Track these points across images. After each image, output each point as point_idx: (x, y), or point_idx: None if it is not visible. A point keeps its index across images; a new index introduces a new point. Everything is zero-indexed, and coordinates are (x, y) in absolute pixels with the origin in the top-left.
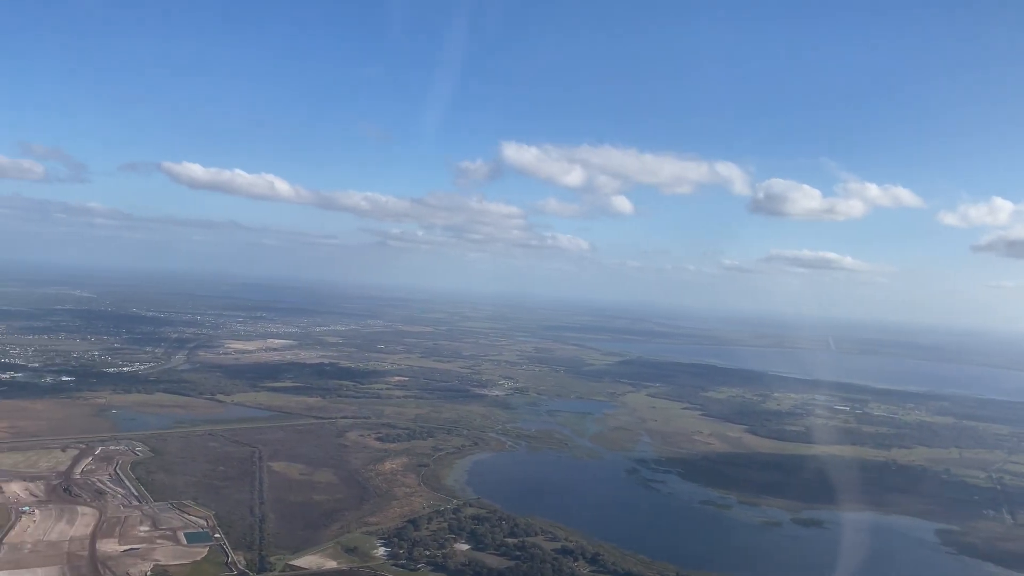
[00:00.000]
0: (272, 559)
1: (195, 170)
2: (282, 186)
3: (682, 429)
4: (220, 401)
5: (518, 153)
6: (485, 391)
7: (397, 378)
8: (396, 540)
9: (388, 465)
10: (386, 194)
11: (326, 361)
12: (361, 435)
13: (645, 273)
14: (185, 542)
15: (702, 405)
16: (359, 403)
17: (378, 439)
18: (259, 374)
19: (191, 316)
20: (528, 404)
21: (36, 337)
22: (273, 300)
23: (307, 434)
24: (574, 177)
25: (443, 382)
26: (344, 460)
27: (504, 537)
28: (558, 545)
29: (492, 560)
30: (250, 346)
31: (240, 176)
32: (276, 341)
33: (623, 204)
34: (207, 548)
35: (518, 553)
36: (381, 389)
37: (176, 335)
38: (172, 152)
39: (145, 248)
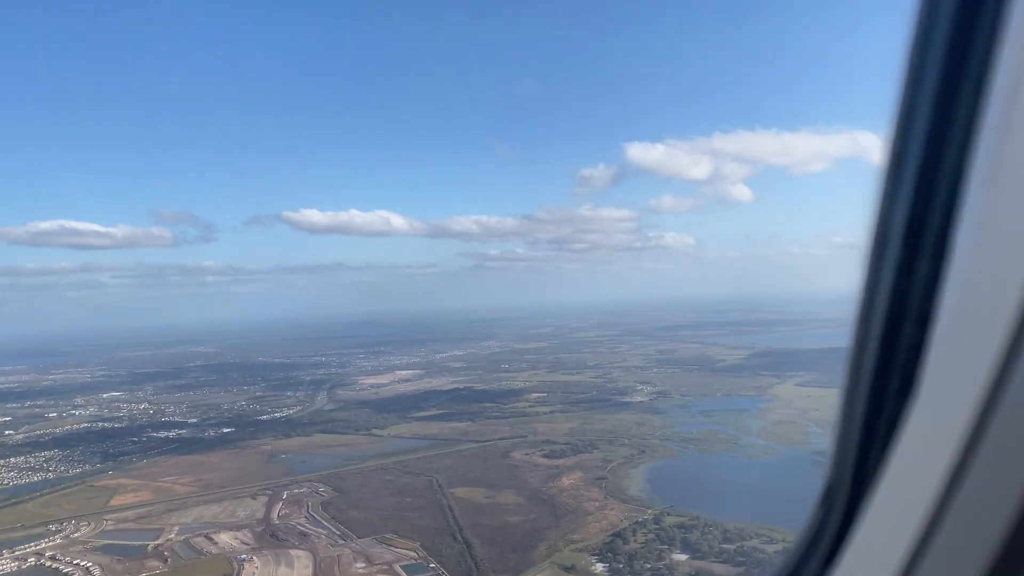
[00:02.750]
0: None
1: (313, 216)
2: (397, 220)
3: None
4: (377, 435)
5: (643, 153)
6: (628, 398)
7: (535, 395)
8: (610, 555)
9: (566, 481)
10: (497, 214)
11: (460, 386)
12: (526, 454)
13: (748, 263)
14: (404, 575)
15: None
16: (508, 423)
17: (544, 456)
18: (403, 406)
19: (315, 358)
20: (677, 407)
21: (183, 395)
22: (384, 334)
23: (473, 458)
24: (700, 170)
25: (582, 394)
26: (520, 480)
27: (719, 544)
28: (779, 546)
29: (719, 568)
30: (382, 380)
31: (356, 216)
32: (404, 372)
33: (742, 192)
34: None
35: (741, 559)
36: (524, 407)
37: (309, 377)
38: (292, 201)
39: (253, 299)
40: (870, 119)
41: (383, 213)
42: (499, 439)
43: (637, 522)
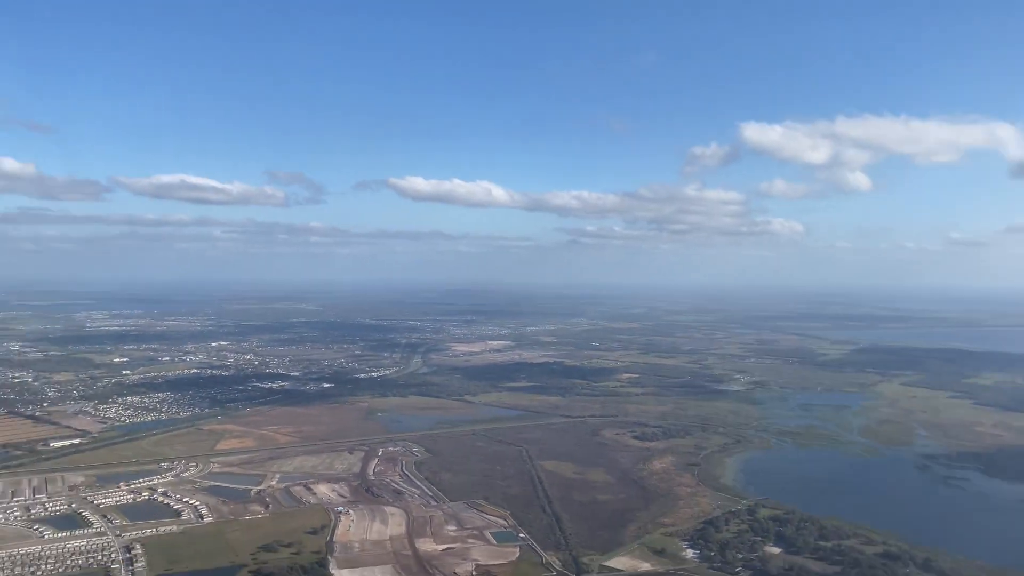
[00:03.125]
0: (584, 560)
1: (418, 183)
2: (498, 192)
3: (958, 420)
4: (468, 402)
5: (759, 134)
6: (723, 386)
7: (627, 375)
8: (701, 542)
9: (657, 464)
10: (598, 190)
11: (550, 360)
12: (617, 433)
13: (857, 255)
14: (495, 542)
15: (969, 393)
16: (599, 401)
17: (635, 437)
18: (494, 375)
19: (410, 323)
20: (775, 399)
21: (286, 348)
22: (477, 304)
23: (563, 433)
24: (818, 154)
25: (676, 378)
26: (610, 459)
27: (815, 540)
28: (878, 549)
29: (814, 565)
30: (474, 348)
31: (459, 185)
32: (495, 343)
33: (860, 180)
34: (517, 548)
35: (838, 558)
36: (616, 387)
37: (404, 341)
38: (399, 168)
39: (354, 262)
40: (1010, 109)
41: (485, 184)
42: (589, 416)
43: (730, 511)
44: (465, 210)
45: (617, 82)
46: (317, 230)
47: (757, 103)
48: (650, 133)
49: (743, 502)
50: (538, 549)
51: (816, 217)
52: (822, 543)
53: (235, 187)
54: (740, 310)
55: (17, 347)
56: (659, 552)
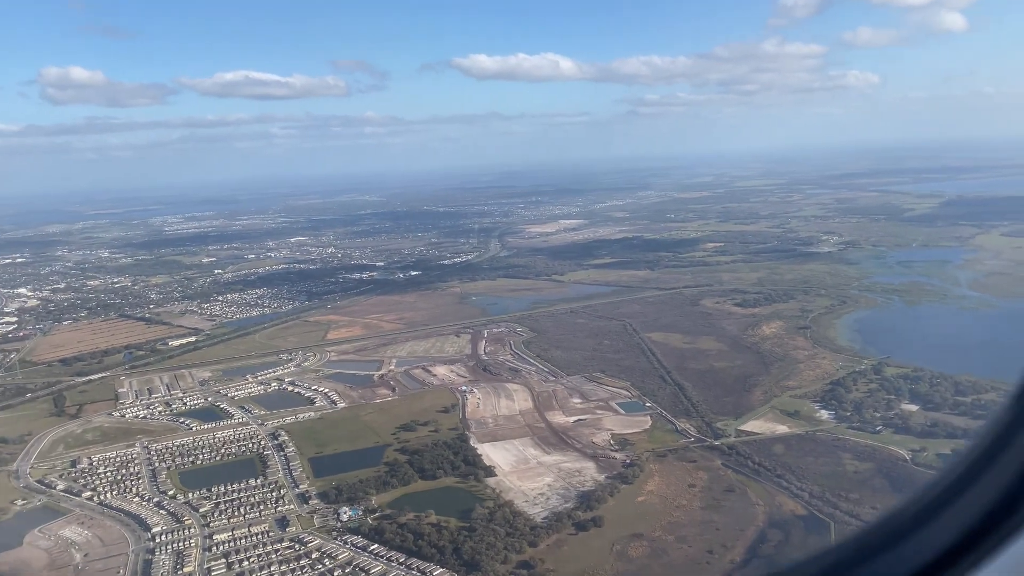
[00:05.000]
0: (718, 425)
1: (482, 61)
2: (565, 63)
3: None
4: (558, 281)
5: None
6: (813, 248)
7: (711, 244)
8: (834, 403)
9: (767, 329)
10: (671, 53)
11: (629, 235)
12: (716, 302)
13: (934, 104)
14: (623, 412)
15: None
16: (689, 272)
17: (737, 305)
18: (576, 253)
19: (477, 207)
20: (870, 257)
21: (363, 240)
22: (539, 185)
23: (662, 305)
24: None
25: (762, 243)
26: (717, 327)
27: (953, 396)
28: None
29: (957, 420)
30: (548, 228)
31: (524, 60)
32: (567, 221)
33: (955, 21)
34: (648, 416)
35: (980, 412)
36: (703, 256)
37: (476, 226)
38: (463, 46)
39: (409, 150)
40: None
41: (551, 56)
42: (683, 287)
43: (855, 372)
44: (530, 86)
45: None
46: (372, 120)
47: None
48: None
49: (865, 362)
50: (668, 416)
51: (896, 67)
52: (960, 399)
53: (297, 80)
54: (812, 170)
55: (107, 254)
56: (792, 415)
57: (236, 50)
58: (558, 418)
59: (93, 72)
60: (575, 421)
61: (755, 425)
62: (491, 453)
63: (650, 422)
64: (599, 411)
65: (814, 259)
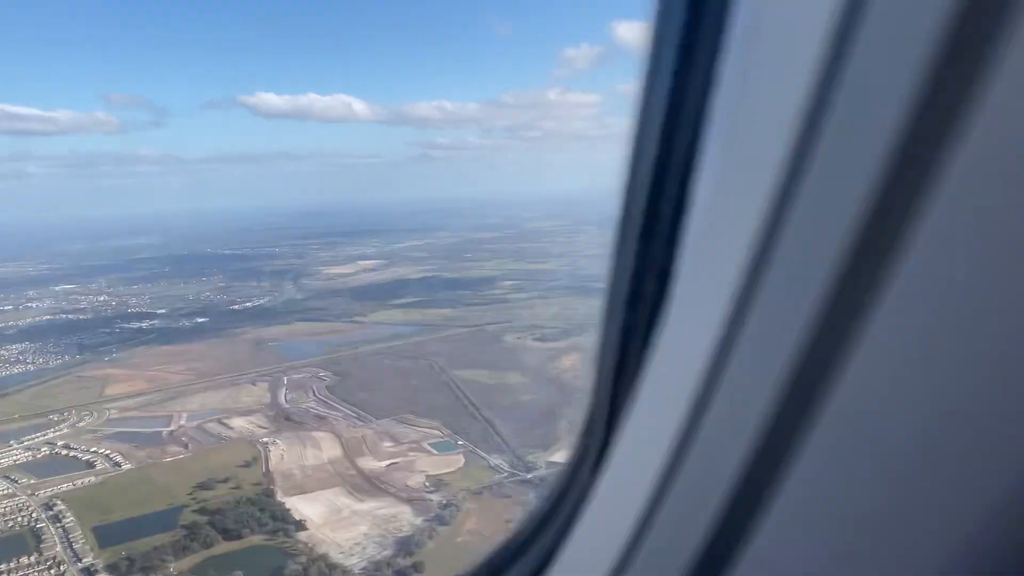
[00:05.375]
0: (529, 458)
1: (270, 99)
2: (358, 105)
3: None
4: (359, 322)
5: (630, 31)
6: (601, 284)
7: (508, 282)
8: None
9: (566, 361)
10: (462, 99)
11: (429, 274)
12: (518, 338)
13: None
14: (436, 452)
15: None
16: (490, 309)
17: (537, 340)
18: (377, 293)
19: (267, 249)
20: None
21: (140, 286)
22: (333, 225)
23: (466, 343)
24: None
25: (554, 280)
26: (520, 362)
27: None
28: None
29: None
30: (346, 269)
31: (315, 100)
32: (366, 262)
33: None
34: (460, 455)
35: None
36: (501, 294)
37: (269, 268)
38: (249, 85)
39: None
40: None
41: (344, 97)
42: (486, 324)
43: None
44: (321, 126)
45: None
46: (148, 158)
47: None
48: (525, 35)
49: None
50: (481, 453)
51: None
52: None
53: (62, 115)
54: (595, 211)
55: None
56: None
57: None
58: (369, 464)
59: None
60: (387, 465)
61: (563, 455)
62: (300, 506)
63: (463, 460)
64: (411, 453)
65: (602, 294)
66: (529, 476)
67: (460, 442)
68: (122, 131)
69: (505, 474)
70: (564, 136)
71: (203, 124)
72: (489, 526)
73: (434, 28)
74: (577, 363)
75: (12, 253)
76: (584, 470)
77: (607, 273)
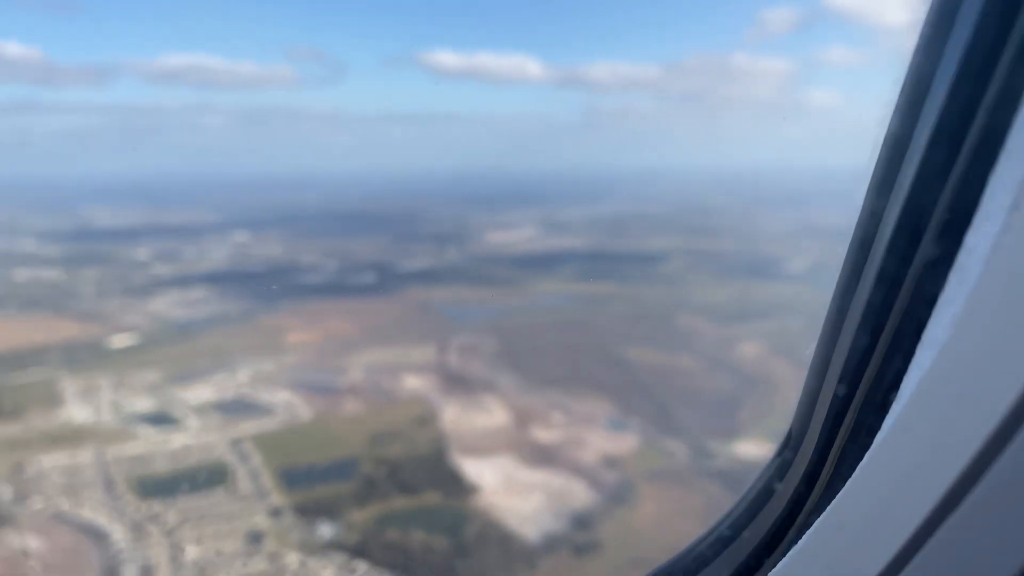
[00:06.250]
0: (708, 446)
1: (446, 58)
2: (531, 65)
3: None
4: (522, 290)
5: None
6: (783, 268)
7: (679, 259)
8: None
9: (745, 349)
10: (644, 60)
11: (593, 245)
12: (690, 319)
13: None
14: (607, 429)
15: None
16: (658, 286)
17: (711, 323)
18: (540, 263)
19: (431, 210)
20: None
21: (310, 240)
22: (493, 189)
23: (634, 320)
24: (904, 14)
25: (730, 261)
26: (693, 345)
27: None
28: None
29: None
30: (507, 236)
31: (490, 60)
32: (527, 230)
33: None
34: (633, 435)
35: None
36: (670, 271)
37: (432, 230)
38: (427, 41)
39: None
40: None
41: (519, 57)
42: (654, 302)
43: None
44: (491, 87)
45: None
46: (319, 113)
47: None
48: None
49: None
50: (655, 436)
51: (861, 89)
52: None
53: (246, 67)
54: (774, 190)
55: (33, 244)
56: (782, 436)
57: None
58: (540, 434)
59: (29, 48)
60: (558, 438)
61: (746, 448)
62: (473, 469)
63: (637, 441)
64: (582, 427)
65: (784, 279)
66: (709, 465)
67: (632, 422)
68: (299, 86)
69: (682, 460)
70: (746, 105)
71: (377, 82)
72: (668, 512)
73: None
74: (757, 351)
75: (192, 199)
76: (798, 479)
77: (842, 279)
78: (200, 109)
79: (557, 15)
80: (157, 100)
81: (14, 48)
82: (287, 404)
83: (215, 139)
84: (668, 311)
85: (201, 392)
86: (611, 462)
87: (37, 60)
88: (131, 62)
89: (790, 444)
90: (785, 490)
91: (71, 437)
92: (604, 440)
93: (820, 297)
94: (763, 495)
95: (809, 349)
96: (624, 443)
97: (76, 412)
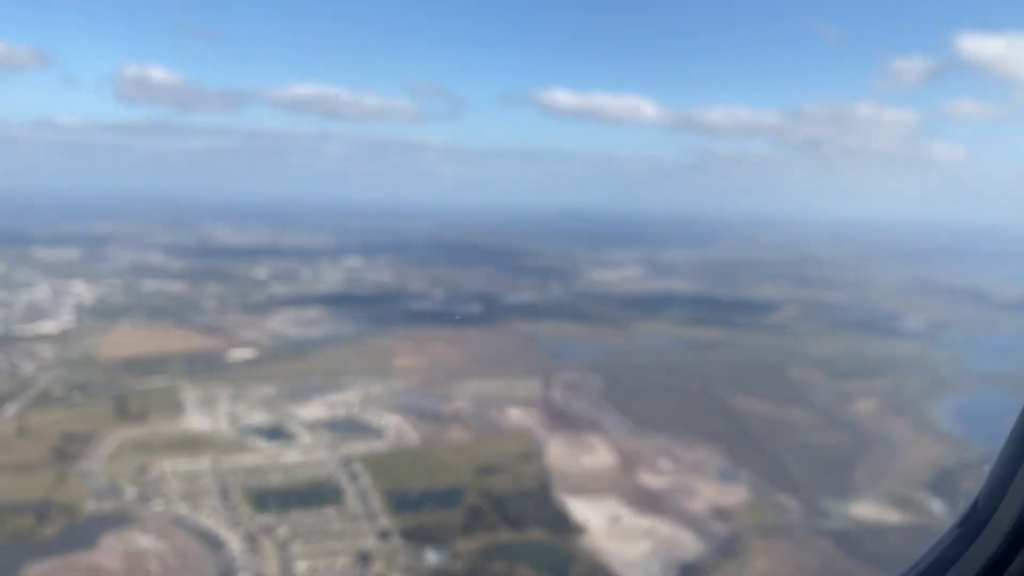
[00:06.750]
0: (823, 505)
1: (561, 97)
2: (647, 107)
3: None
4: (626, 330)
5: (978, 46)
6: (899, 324)
7: (789, 309)
8: (948, 493)
9: (861, 406)
10: (763, 105)
11: (700, 290)
12: (803, 371)
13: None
14: (716, 479)
15: None
16: (768, 336)
17: (824, 377)
18: (644, 304)
19: (535, 246)
20: (961, 340)
21: (418, 268)
22: (599, 228)
23: (744, 368)
24: None
25: (843, 314)
26: (806, 398)
27: None
28: None
29: None
30: (611, 274)
31: (606, 100)
32: (631, 269)
33: None
34: (744, 487)
35: None
36: (780, 321)
37: (536, 264)
38: (544, 80)
39: (466, 181)
40: None
41: (635, 98)
42: (765, 351)
43: (964, 461)
44: (602, 126)
45: None
46: (433, 147)
47: (979, 9)
48: (847, 42)
49: (972, 452)
50: (767, 489)
51: (989, 144)
52: None
53: (370, 99)
54: (886, 242)
55: (160, 257)
56: (902, 502)
57: (313, 62)
58: (647, 478)
59: (172, 73)
60: (666, 484)
61: (863, 509)
62: (580, 509)
63: (748, 493)
64: (691, 475)
65: (901, 336)
66: (823, 524)
67: (743, 473)
68: (417, 120)
69: (795, 516)
70: (866, 155)
71: (492, 118)
72: (780, 569)
73: (746, 30)
74: (873, 409)
75: (308, 223)
76: (991, 551)
77: None
78: (323, 137)
79: (677, 57)
80: (283, 126)
81: (159, 72)
82: (396, 427)
83: (334, 166)
84: (779, 361)
85: (314, 409)
86: (721, 513)
87: (179, 84)
88: (263, 89)
89: (977, 513)
90: (972, 561)
91: (191, 444)
92: (714, 489)
93: (940, 356)
94: (942, 565)
95: (1011, 419)
96: (734, 494)
97: (196, 420)
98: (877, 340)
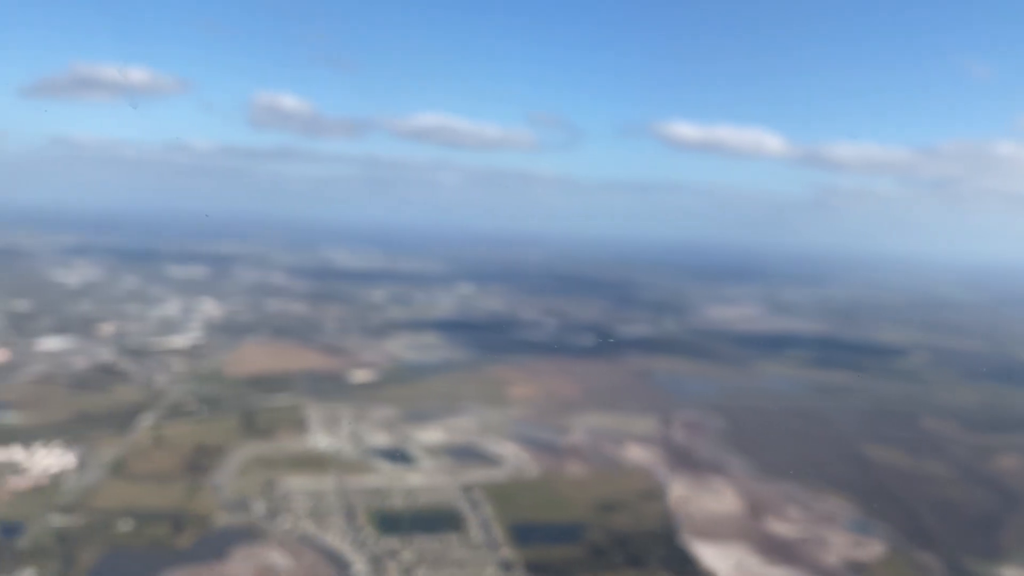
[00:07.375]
0: (968, 566)
1: (682, 129)
2: (772, 141)
3: None
4: (746, 369)
5: None
6: None
7: (919, 355)
8: None
9: (1004, 462)
10: (887, 143)
11: (822, 331)
12: (938, 422)
13: None
14: (850, 531)
15: None
16: (897, 383)
17: (962, 429)
18: (764, 343)
19: (649, 279)
20: None
21: (531, 298)
22: (715, 262)
23: (873, 416)
24: None
25: (977, 362)
26: (943, 451)
27: None
28: None
29: None
30: (727, 311)
31: (729, 133)
32: (749, 307)
33: None
34: (880, 541)
35: None
36: (911, 367)
37: (650, 298)
38: (666, 111)
39: (574, 212)
40: None
41: (758, 132)
42: (896, 399)
43: None
44: (723, 161)
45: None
46: (546, 177)
47: None
48: (995, 78)
49: None
50: (905, 545)
51: None
52: None
53: (489, 129)
54: (1011, 288)
55: (283, 278)
56: None
57: (435, 92)
58: (776, 526)
59: (302, 101)
60: (797, 534)
61: (1012, 573)
62: (705, 553)
63: (884, 548)
64: (822, 525)
65: None
66: None
67: (879, 526)
68: (534, 150)
69: None
70: (1004, 196)
71: (610, 149)
72: None
73: (882, 66)
74: (1018, 465)
75: (421, 249)
76: None
77: None
78: (440, 165)
79: (803, 91)
80: (403, 155)
81: (290, 100)
82: (515, 457)
83: (451, 194)
84: (912, 410)
85: (432, 433)
86: (856, 567)
87: (306, 112)
88: (385, 118)
89: None
90: None
91: (315, 462)
92: (848, 541)
93: None
94: None
95: None
96: (870, 549)
97: (320, 439)
98: (1017, 392)
